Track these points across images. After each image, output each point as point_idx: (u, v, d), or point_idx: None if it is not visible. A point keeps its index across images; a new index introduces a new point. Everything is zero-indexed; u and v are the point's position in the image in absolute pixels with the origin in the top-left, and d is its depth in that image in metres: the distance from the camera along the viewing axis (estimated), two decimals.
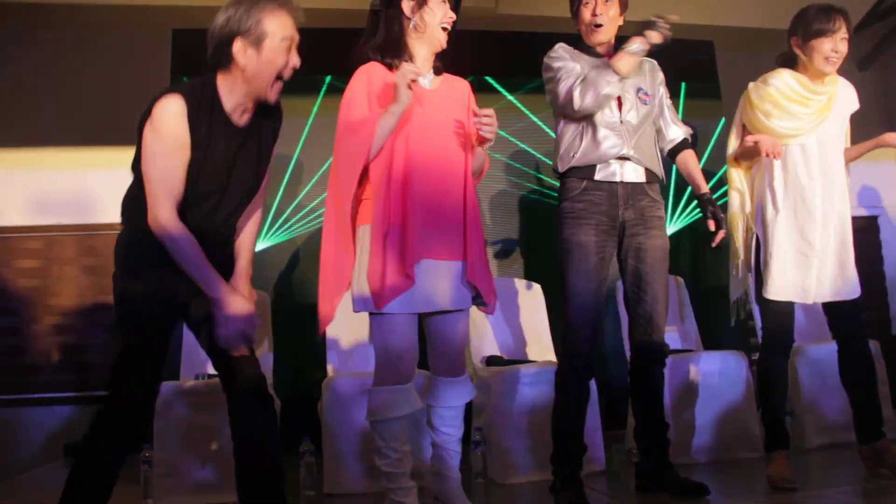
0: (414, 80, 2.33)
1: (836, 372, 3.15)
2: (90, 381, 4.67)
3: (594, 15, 2.83)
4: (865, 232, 5.98)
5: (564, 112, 2.85)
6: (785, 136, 2.93)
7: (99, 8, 4.64)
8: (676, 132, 3.00)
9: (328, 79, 4.84)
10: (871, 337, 4.26)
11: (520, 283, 4.14)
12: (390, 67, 2.45)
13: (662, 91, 3.01)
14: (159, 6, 4.52)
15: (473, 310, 3.93)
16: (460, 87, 2.62)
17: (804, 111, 2.94)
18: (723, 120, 5.31)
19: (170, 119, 2.02)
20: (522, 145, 5.11)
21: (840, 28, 2.90)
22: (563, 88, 2.78)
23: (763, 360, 3.05)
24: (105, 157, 4.72)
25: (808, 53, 2.93)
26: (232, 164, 2.13)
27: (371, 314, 2.41)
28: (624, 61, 2.74)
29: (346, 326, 3.76)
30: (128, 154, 2.17)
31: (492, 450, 3.43)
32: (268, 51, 2.05)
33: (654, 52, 2.80)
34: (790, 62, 3.04)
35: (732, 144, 3.10)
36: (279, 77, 2.10)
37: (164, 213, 2.02)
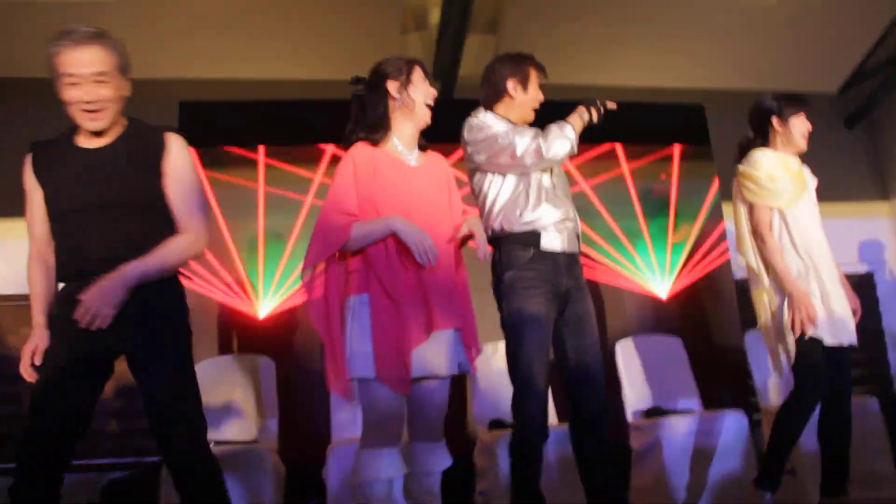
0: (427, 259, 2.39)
1: None
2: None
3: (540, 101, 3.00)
4: (862, 287, 6.04)
5: (519, 166, 2.82)
6: (786, 199, 3.17)
7: None
8: None
9: (329, 148, 4.96)
10: (870, 393, 4.33)
11: None
12: (375, 143, 2.54)
13: None
14: (165, 79, 4.66)
15: (476, 373, 4.03)
16: (441, 161, 2.71)
17: (791, 177, 3.22)
18: (716, 180, 5.41)
19: (23, 176, 2.33)
20: None
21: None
22: (521, 142, 2.78)
23: (792, 405, 3.09)
24: None
25: (788, 130, 3.25)
26: (88, 179, 2.26)
27: (359, 379, 2.40)
28: (578, 124, 2.84)
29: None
30: None
31: None
32: (61, 86, 2.23)
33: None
34: (762, 142, 3.32)
35: (744, 228, 3.28)
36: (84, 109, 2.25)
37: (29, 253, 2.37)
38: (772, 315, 3.16)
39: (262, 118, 4.94)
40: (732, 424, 3.76)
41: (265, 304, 4.71)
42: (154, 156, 2.32)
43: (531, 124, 2.98)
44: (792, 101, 3.25)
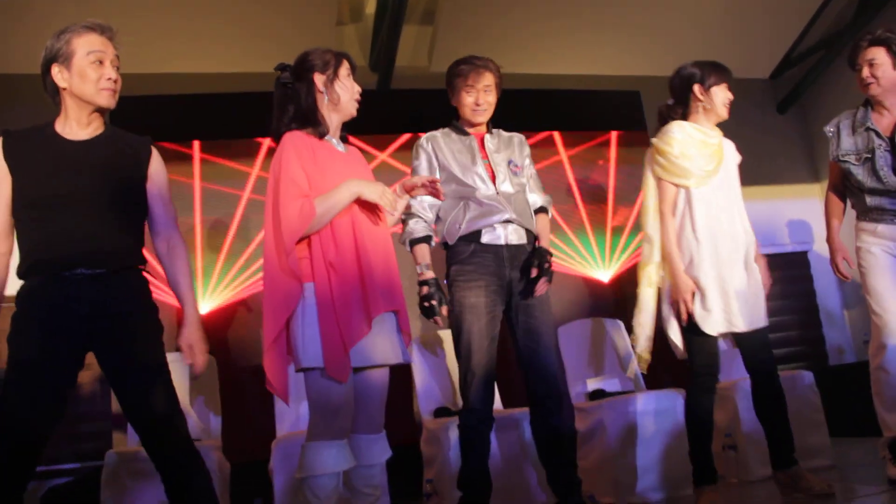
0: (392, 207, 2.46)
1: None
2: None
3: (477, 104, 3.05)
4: (796, 266, 6.21)
5: None
6: (695, 179, 3.13)
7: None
8: (535, 199, 3.18)
9: (266, 141, 4.91)
10: (807, 368, 4.44)
11: None
12: (321, 136, 2.51)
13: (529, 162, 3.20)
14: None
15: (420, 363, 4.05)
16: (360, 154, 2.70)
17: (707, 153, 3.15)
18: None
19: None
20: None
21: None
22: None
23: (691, 397, 3.20)
24: None
25: (710, 98, 3.17)
26: (73, 169, 2.28)
27: (306, 369, 2.34)
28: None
29: (292, 385, 3.74)
30: None
31: (444, 500, 3.43)
32: (77, 66, 2.28)
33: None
34: (683, 112, 3.25)
35: (650, 200, 3.26)
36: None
37: None
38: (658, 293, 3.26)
39: (195, 112, 4.86)
40: (674, 404, 3.81)
41: (205, 302, 4.63)
42: (141, 157, 2.42)
43: (493, 121, 3.16)
44: (714, 70, 3.17)
